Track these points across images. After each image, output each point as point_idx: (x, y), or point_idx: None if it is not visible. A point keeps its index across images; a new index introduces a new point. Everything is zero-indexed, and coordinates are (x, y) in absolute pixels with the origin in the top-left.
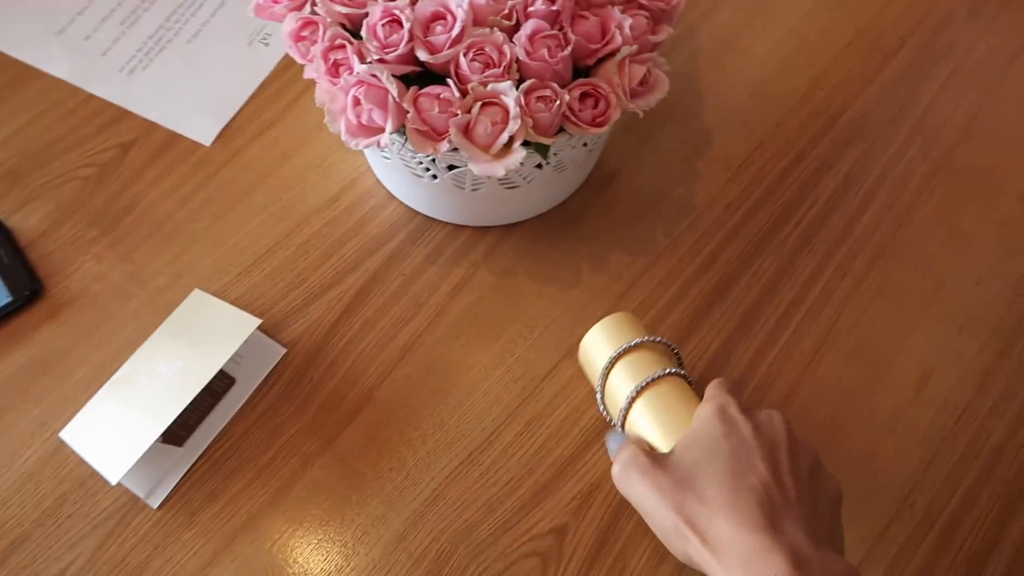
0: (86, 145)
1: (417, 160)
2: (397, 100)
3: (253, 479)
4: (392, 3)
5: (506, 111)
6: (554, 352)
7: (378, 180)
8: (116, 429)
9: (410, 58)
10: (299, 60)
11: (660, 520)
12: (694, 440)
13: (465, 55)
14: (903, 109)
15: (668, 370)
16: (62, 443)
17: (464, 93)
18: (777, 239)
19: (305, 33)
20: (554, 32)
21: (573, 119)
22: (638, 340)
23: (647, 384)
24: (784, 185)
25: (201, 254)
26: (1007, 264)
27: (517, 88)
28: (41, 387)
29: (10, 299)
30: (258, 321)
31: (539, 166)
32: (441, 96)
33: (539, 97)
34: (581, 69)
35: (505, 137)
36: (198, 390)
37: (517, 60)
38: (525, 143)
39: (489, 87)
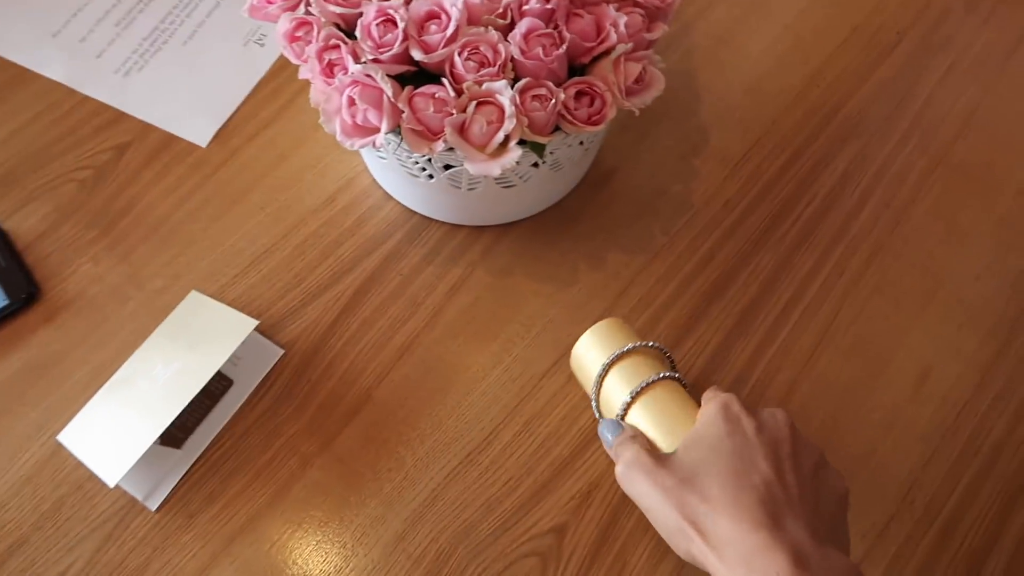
0: (82, 147)
1: (413, 160)
2: (392, 100)
3: (251, 481)
4: (386, 3)
5: (501, 110)
6: (552, 351)
7: (375, 180)
8: (114, 431)
9: (405, 58)
10: (294, 61)
11: (663, 519)
12: (697, 439)
13: (460, 54)
14: (900, 105)
15: (663, 374)
16: (60, 446)
17: (459, 92)
18: (775, 236)
19: (299, 33)
20: (549, 30)
21: (569, 118)
22: (631, 346)
23: (642, 389)
24: (782, 182)
25: (198, 255)
26: (1006, 260)
27: (512, 87)
28: (39, 390)
29: (7, 302)
30: (255, 322)
31: (535, 165)
32: (436, 96)
33: (534, 96)
34: (576, 67)
35: (501, 136)
36: (196, 392)
37: (512, 59)
38: (521, 142)
39: (484, 86)
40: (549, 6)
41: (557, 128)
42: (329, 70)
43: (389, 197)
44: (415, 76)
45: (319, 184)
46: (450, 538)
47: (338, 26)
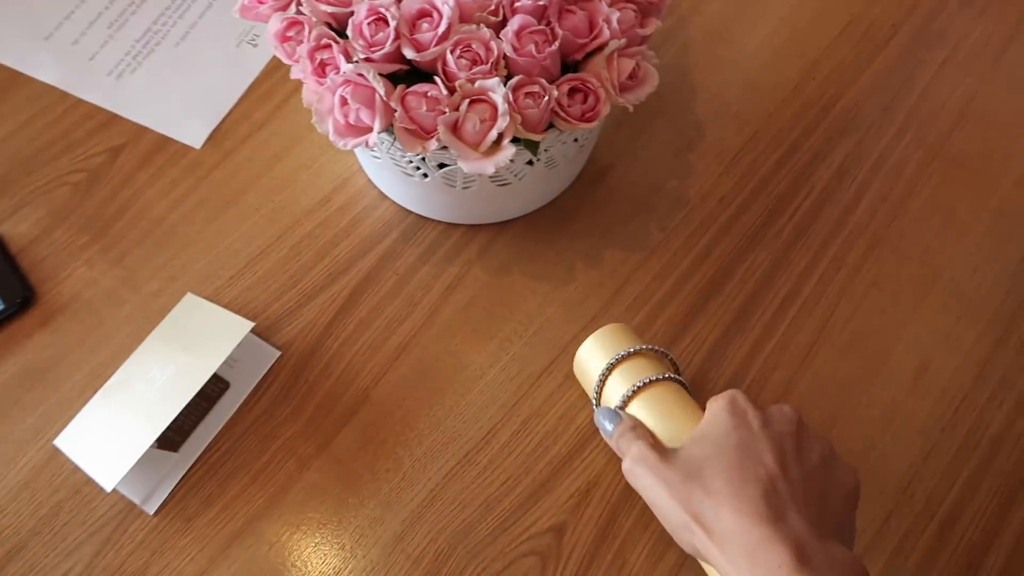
0: (76, 150)
1: (407, 159)
2: (384, 99)
3: (249, 483)
4: (378, 1)
5: (494, 108)
6: (549, 349)
7: (369, 180)
8: (111, 435)
9: (397, 56)
10: (285, 61)
11: (668, 514)
12: (703, 434)
13: (452, 52)
14: (896, 98)
15: (666, 375)
16: (57, 451)
17: (452, 91)
18: (771, 231)
19: (291, 33)
20: (541, 27)
21: (562, 115)
22: (638, 347)
23: (644, 385)
24: (778, 177)
25: (193, 258)
26: (1004, 252)
27: (505, 84)
28: (35, 395)
29: (2, 307)
30: (251, 324)
31: (530, 163)
32: (429, 94)
33: (527, 93)
34: (569, 64)
35: (494, 134)
36: (192, 395)
37: (504, 56)
38: (515, 140)
39: (477, 84)
40: (541, 3)
41: (551, 125)
42: (321, 70)
43: (384, 197)
44: (407, 75)
45: (314, 185)
46: (449, 538)
47: (329, 25)
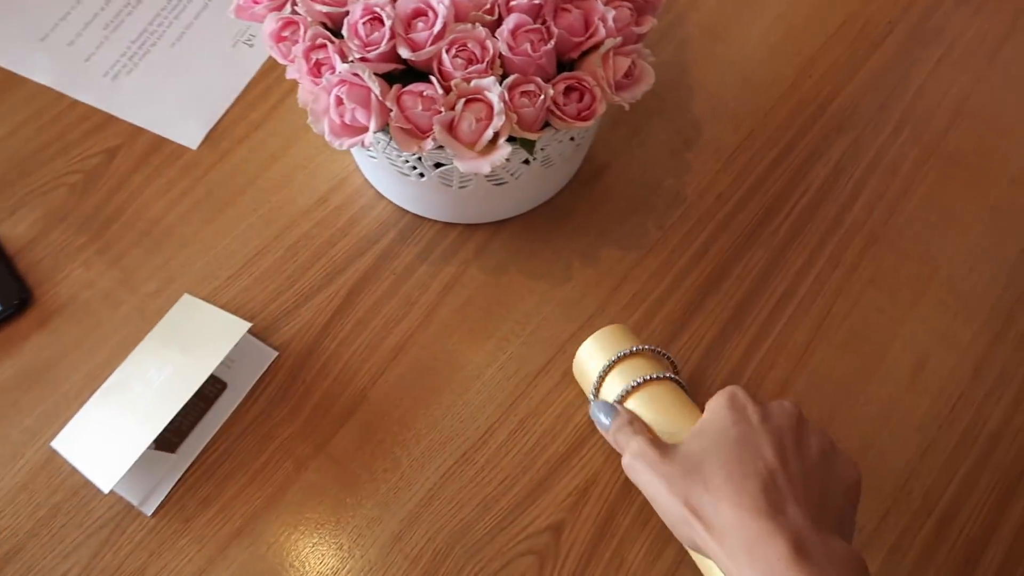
0: (72, 152)
1: (403, 159)
2: (380, 99)
3: (247, 484)
4: (373, 1)
5: (490, 107)
6: (547, 348)
7: (366, 180)
8: (108, 437)
9: (392, 56)
10: (280, 61)
11: (668, 509)
12: (703, 429)
13: (447, 51)
14: (893, 95)
15: (665, 374)
16: (54, 452)
17: (447, 90)
18: (768, 229)
19: (286, 33)
20: (537, 26)
21: (558, 113)
22: (638, 347)
23: (643, 383)
24: (775, 175)
25: (190, 258)
26: (1000, 248)
27: (501, 83)
28: (32, 396)
29: None
30: (248, 324)
31: (526, 162)
32: (424, 94)
33: (523, 92)
34: (565, 63)
35: (490, 133)
36: (189, 395)
37: (500, 55)
38: (511, 139)
39: (472, 83)
40: (537, 1)
41: (547, 124)
42: (316, 70)
43: (381, 196)
44: (403, 74)
45: (310, 185)
46: (447, 538)
47: (325, 25)
